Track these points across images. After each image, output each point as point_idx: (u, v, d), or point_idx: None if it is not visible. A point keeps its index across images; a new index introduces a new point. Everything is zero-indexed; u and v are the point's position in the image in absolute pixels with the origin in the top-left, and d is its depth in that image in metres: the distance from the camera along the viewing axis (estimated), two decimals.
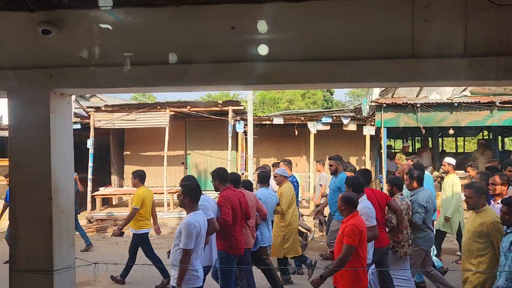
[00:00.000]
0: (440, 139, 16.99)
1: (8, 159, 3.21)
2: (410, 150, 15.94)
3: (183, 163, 13.82)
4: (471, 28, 2.81)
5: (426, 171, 7.40)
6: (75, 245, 4.30)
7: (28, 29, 3.04)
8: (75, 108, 12.94)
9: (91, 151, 12.11)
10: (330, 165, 6.56)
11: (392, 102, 11.04)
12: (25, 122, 3.12)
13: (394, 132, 16.25)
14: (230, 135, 11.75)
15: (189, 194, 3.71)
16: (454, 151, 19.77)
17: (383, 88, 12.19)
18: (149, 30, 3.18)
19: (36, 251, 3.11)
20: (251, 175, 10.84)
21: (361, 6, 2.94)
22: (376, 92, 11.96)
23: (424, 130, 11.48)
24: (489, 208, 4.10)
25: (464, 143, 21.60)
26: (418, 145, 21.33)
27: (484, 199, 4.17)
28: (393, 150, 15.69)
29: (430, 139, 15.11)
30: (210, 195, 5.58)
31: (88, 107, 12.79)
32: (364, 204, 4.49)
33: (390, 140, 19.99)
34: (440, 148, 16.04)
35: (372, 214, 4.44)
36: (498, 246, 3.81)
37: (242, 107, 12.13)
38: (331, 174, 6.79)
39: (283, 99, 31.50)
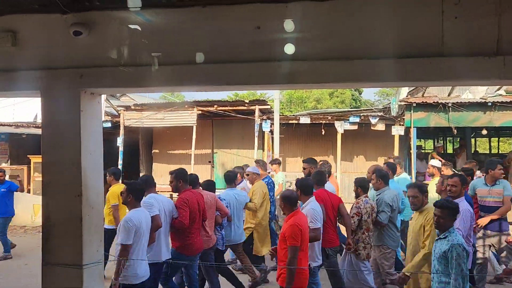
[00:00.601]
0: (473, 140, 16.49)
1: (41, 156, 3.33)
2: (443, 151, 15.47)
3: (210, 161, 13.95)
4: (504, 25, 2.71)
5: (404, 174, 7.61)
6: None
7: (61, 30, 3.14)
8: (106, 107, 13.28)
9: (121, 149, 12.41)
10: (304, 168, 6.49)
11: (423, 102, 10.79)
12: (57, 121, 3.22)
13: (425, 132, 15.88)
14: (256, 134, 11.78)
15: (132, 192, 3.91)
16: (488, 152, 19.14)
17: (412, 87, 11.92)
18: (176, 30, 3.23)
19: (67, 245, 3.21)
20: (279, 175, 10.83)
21: (388, 3, 2.88)
22: (404, 91, 11.71)
23: (455, 131, 11.16)
24: (432, 207, 4.06)
25: (498, 143, 20.85)
26: (450, 146, 20.78)
27: (427, 197, 4.30)
28: (423, 151, 15.32)
29: (473, 140, 14.66)
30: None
31: (118, 106, 13.11)
32: (310, 206, 4.56)
33: (420, 140, 19.52)
34: (473, 149, 15.58)
35: (316, 216, 4.48)
36: (432, 240, 3.88)
37: (268, 106, 12.13)
38: (305, 176, 6.64)
39: (310, 98, 31.30)
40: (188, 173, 5.13)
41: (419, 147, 15.05)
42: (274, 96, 12.23)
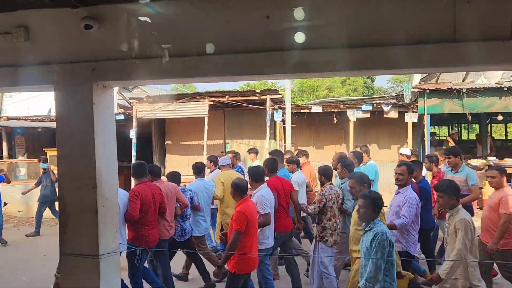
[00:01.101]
0: (488, 126, 16.23)
1: (56, 149, 3.38)
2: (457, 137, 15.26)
3: (222, 152, 14.01)
4: None
5: (371, 162, 7.71)
6: (119, 231, 4.52)
7: (72, 24, 3.16)
8: (118, 99, 13.39)
9: (134, 141, 12.52)
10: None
11: (436, 88, 10.64)
12: (71, 114, 3.26)
13: (439, 119, 15.69)
14: (268, 124, 11.77)
15: None
16: (504, 137, 18.82)
17: (426, 74, 11.75)
18: (186, 22, 3.22)
19: (83, 236, 3.28)
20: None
21: None
22: (417, 77, 11.55)
23: (470, 117, 11.00)
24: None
25: None
26: (465, 133, 20.47)
27: (366, 187, 4.44)
28: (437, 138, 15.14)
29: (489, 126, 14.43)
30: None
31: (130, 99, 13.20)
32: (260, 193, 4.82)
33: (434, 127, 19.28)
34: (489, 136, 15.32)
35: (265, 202, 4.73)
36: None
37: (280, 96, 12.10)
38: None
39: (322, 86, 31.08)
40: (144, 166, 5.23)
41: (433, 134, 14.87)
42: (286, 86, 12.18)
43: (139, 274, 4.95)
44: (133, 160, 12.32)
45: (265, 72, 3.24)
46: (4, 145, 13.59)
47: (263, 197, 4.76)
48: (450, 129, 18.33)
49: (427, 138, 10.99)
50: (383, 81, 40.36)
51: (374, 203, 3.64)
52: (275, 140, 12.98)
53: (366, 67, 3.02)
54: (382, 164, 12.80)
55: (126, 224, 4.82)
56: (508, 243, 4.71)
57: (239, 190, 4.35)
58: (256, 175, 4.99)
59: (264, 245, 4.83)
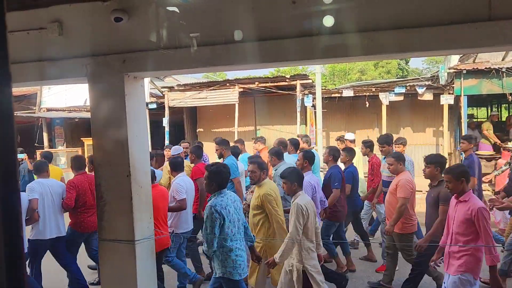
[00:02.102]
0: None
1: (92, 139, 3.51)
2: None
3: (253, 138, 14.07)
4: None
5: (313, 150, 7.57)
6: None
7: (102, 17, 3.24)
8: (150, 88, 13.65)
9: (166, 129, 12.77)
10: (216, 150, 6.66)
11: (474, 68, 10.21)
12: (104, 105, 3.37)
13: (477, 100, 15.10)
14: (298, 109, 11.71)
15: None
16: None
17: (462, 54, 11.29)
18: (213, 10, 3.24)
19: (120, 222, 3.40)
20: (321, 150, 10.77)
21: None
22: (455, 58, 11.11)
23: (511, 97, 10.52)
24: (268, 182, 4.65)
25: None
26: (505, 113, 19.60)
27: (266, 174, 4.66)
28: (475, 120, 14.60)
29: None
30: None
31: (162, 87, 13.42)
32: (176, 180, 5.36)
33: (472, 109, 18.56)
34: None
35: (180, 189, 5.20)
36: (271, 216, 4.39)
37: (310, 81, 11.98)
38: (219, 158, 6.84)
39: (354, 69, 30.45)
40: (81, 159, 5.75)
41: (471, 116, 14.35)
42: (316, 70, 12.04)
43: (73, 258, 5.43)
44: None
45: (293, 58, 3.22)
46: (45, 136, 14.18)
47: (178, 184, 5.24)
48: (490, 111, 17.60)
49: (463, 120, 10.62)
50: (418, 62, 39.11)
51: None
52: (306, 126, 12.91)
53: (397, 50, 2.95)
54: (417, 148, 12.51)
55: (63, 213, 5.32)
56: (406, 227, 4.97)
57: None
58: (175, 164, 5.58)
59: (183, 228, 5.29)
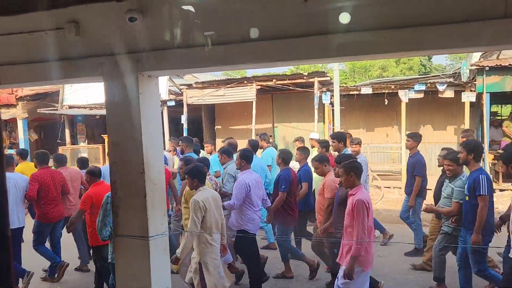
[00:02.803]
0: None
1: (107, 137, 3.58)
2: None
3: (271, 135, 14.07)
4: None
5: (270, 148, 7.87)
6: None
7: (117, 17, 3.29)
8: (169, 86, 13.79)
9: (185, 126, 12.90)
10: (178, 146, 7.20)
11: (497, 65, 9.97)
12: (119, 104, 3.43)
13: (500, 98, 14.71)
14: (316, 107, 11.65)
15: None
16: None
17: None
18: (226, 9, 3.25)
19: (134, 219, 3.46)
20: None
21: None
22: (477, 54, 10.86)
23: None
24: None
25: None
26: None
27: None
28: (499, 117, 14.23)
29: None
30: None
31: (181, 85, 13.56)
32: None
33: (497, 106, 18.10)
34: None
35: None
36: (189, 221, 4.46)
37: (328, 78, 11.90)
38: (181, 154, 7.50)
39: (375, 66, 30.05)
40: (45, 156, 6.17)
41: (494, 114, 14.00)
42: (334, 67, 11.94)
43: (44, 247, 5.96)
44: None
45: (305, 57, 3.21)
46: (67, 132, 14.51)
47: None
48: None
49: (486, 118, 10.37)
50: (441, 58, 38.30)
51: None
52: (324, 123, 12.83)
53: (409, 48, 2.91)
54: (437, 146, 12.29)
55: (24, 206, 5.84)
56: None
57: (93, 175, 5.11)
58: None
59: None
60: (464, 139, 6.36)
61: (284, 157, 5.87)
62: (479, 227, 4.30)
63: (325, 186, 5.17)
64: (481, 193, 4.29)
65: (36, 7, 3.41)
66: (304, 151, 6.48)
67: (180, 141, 7.40)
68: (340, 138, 6.53)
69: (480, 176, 4.34)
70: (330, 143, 6.65)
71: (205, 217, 4.30)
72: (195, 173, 4.47)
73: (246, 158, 5.39)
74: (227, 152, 6.14)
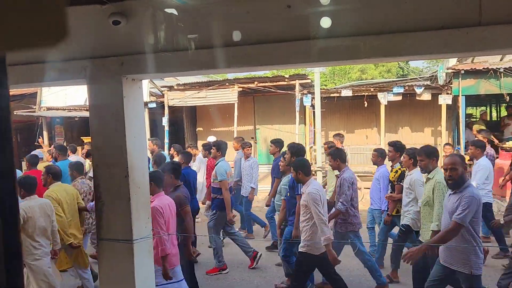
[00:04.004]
0: None
1: (90, 140, 3.56)
2: (489, 118, 14.69)
3: (252, 137, 14.12)
4: None
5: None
6: (151, 218, 4.97)
7: (100, 21, 3.29)
8: (150, 87, 13.69)
9: (166, 128, 12.83)
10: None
11: (472, 68, 10.28)
12: (102, 107, 3.42)
13: (475, 100, 15.16)
14: (297, 109, 11.77)
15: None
16: None
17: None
18: (210, 13, 3.29)
19: (118, 222, 3.46)
20: (319, 149, 10.81)
21: None
22: (453, 58, 11.16)
23: (508, 97, 10.58)
24: None
25: None
26: (504, 113, 19.59)
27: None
28: (474, 119, 14.64)
29: None
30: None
31: (162, 87, 13.48)
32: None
33: (472, 108, 18.60)
34: None
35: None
36: None
37: (309, 80, 12.03)
38: (55, 161, 8.00)
39: (354, 68, 30.45)
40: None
41: (469, 116, 14.39)
42: (315, 70, 12.09)
43: None
44: (166, 147, 12.66)
45: (289, 61, 3.27)
46: (45, 134, 14.23)
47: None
48: (489, 111, 17.67)
49: (461, 120, 10.68)
50: (418, 61, 39.06)
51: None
52: (305, 125, 12.96)
53: (388, 54, 3.00)
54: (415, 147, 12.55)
55: None
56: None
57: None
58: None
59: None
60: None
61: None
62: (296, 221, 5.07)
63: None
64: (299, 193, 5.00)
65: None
66: (187, 156, 6.98)
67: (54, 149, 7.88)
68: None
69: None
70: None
71: (26, 224, 4.59)
72: (21, 184, 4.71)
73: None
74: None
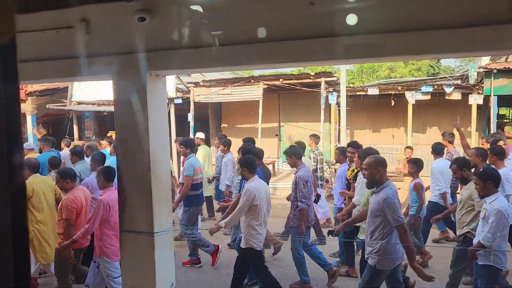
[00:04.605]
0: None
1: (115, 134, 3.65)
2: None
3: (277, 135, 14.11)
4: None
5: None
6: (172, 211, 5.06)
7: (127, 17, 3.36)
8: (177, 83, 13.86)
9: (191, 124, 12.97)
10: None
11: (505, 67, 9.93)
12: (127, 102, 3.49)
13: (508, 100, 14.63)
14: (322, 107, 11.67)
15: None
16: None
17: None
18: (234, 10, 3.30)
19: (140, 215, 3.53)
20: None
21: None
22: (485, 57, 10.82)
23: None
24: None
25: None
26: None
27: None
28: (507, 120, 14.16)
29: None
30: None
31: (188, 83, 13.63)
32: None
33: (505, 109, 17.98)
34: None
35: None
36: None
37: (335, 78, 11.91)
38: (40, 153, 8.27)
39: (383, 66, 29.90)
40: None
41: (502, 116, 13.93)
42: (341, 68, 11.96)
43: None
44: None
45: (312, 58, 3.26)
46: (75, 128, 14.64)
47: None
48: None
49: (493, 121, 10.34)
50: (450, 60, 37.96)
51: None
52: (330, 123, 12.84)
53: (414, 52, 2.95)
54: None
55: None
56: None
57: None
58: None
59: None
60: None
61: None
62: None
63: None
64: None
65: (49, 6, 3.48)
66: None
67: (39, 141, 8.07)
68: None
69: None
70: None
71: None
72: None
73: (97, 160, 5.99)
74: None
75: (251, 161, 5.15)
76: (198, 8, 3.37)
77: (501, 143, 6.97)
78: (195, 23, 3.37)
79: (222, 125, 14.91)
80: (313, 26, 3.09)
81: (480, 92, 10.54)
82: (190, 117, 12.90)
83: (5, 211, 0.68)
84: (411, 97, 11.17)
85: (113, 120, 3.77)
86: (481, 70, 10.21)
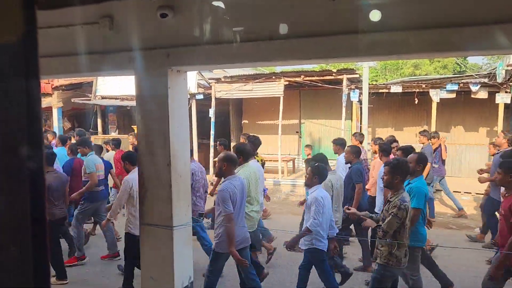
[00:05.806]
0: None
1: (136, 129, 3.70)
2: None
3: (297, 132, 14.05)
4: None
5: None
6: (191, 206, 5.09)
7: (149, 13, 3.39)
8: (198, 79, 13.95)
9: (212, 119, 13.04)
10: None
11: None
12: (148, 97, 3.54)
13: None
14: (344, 104, 11.55)
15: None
16: None
17: None
18: (255, 6, 3.30)
19: (159, 209, 3.58)
20: (366, 146, 10.57)
21: None
22: None
23: None
24: None
25: None
26: None
27: None
28: None
29: None
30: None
31: (209, 79, 13.69)
32: None
33: None
34: None
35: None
36: None
37: (357, 75, 11.76)
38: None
39: (407, 64, 29.33)
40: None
41: None
42: (363, 65, 11.80)
43: None
44: (212, 138, 12.88)
45: (334, 55, 3.22)
46: (99, 122, 14.93)
47: None
48: None
49: None
50: (477, 57, 36.87)
51: None
52: (352, 121, 12.70)
53: (438, 49, 2.88)
54: (468, 148, 11.97)
55: None
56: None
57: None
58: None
59: None
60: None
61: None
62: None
63: None
64: None
65: (74, 2, 3.56)
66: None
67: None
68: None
69: None
70: None
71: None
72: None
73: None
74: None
75: (133, 155, 5.51)
76: (220, 4, 3.38)
77: None
78: (216, 19, 3.39)
79: (243, 121, 14.94)
80: (336, 23, 3.06)
81: (508, 91, 10.24)
82: (211, 113, 12.98)
83: (25, 202, 0.70)
84: (436, 95, 10.93)
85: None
86: (510, 68, 9.90)
